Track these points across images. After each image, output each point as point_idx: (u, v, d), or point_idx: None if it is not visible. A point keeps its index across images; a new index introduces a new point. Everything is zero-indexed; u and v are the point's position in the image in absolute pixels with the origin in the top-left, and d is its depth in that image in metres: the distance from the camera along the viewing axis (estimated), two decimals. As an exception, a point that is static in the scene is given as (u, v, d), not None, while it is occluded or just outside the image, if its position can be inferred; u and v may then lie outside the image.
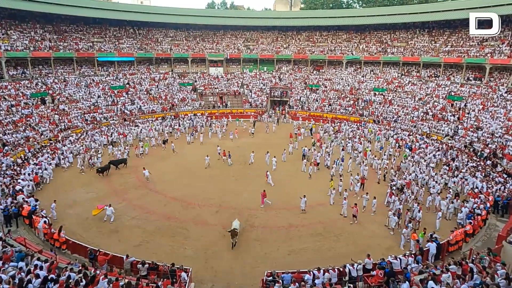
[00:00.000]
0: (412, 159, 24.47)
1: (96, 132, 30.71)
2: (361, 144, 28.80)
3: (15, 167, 21.19)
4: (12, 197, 16.75)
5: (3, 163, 21.26)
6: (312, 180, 22.26)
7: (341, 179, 20.60)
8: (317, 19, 52.33)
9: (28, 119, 29.07)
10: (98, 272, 10.87)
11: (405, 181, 20.18)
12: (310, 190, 20.54)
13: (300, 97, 44.37)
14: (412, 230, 14.78)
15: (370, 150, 26.84)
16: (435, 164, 23.99)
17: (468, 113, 31.11)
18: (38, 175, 20.51)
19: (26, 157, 23.39)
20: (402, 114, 35.63)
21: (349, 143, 29.08)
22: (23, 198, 16.75)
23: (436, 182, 20.08)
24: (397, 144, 28.78)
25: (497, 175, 20.59)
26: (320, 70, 49.45)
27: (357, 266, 11.77)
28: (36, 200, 16.79)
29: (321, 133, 32.95)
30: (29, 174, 20.09)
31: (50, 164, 22.74)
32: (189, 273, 11.71)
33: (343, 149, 27.08)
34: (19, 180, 18.86)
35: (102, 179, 21.98)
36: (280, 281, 10.85)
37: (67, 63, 40.11)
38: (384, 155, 26.25)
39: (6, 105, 29.30)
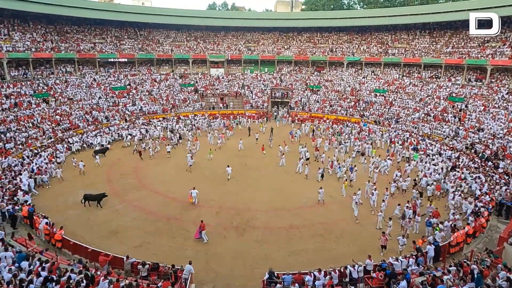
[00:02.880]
0: (425, 161, 24.41)
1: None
2: (362, 145, 28.81)
3: (17, 167, 21.25)
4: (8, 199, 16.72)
5: (3, 162, 21.30)
6: (313, 182, 22.20)
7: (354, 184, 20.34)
8: (318, 20, 52.34)
9: (30, 119, 29.11)
10: (99, 272, 10.88)
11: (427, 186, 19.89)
12: (311, 192, 20.56)
13: (301, 98, 44.37)
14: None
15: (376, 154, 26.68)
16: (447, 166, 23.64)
17: (469, 115, 31.07)
18: (40, 170, 21.06)
19: (27, 156, 23.44)
20: (403, 115, 35.60)
21: (357, 144, 28.94)
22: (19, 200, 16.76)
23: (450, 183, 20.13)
24: (393, 146, 28.88)
25: (499, 176, 20.55)
26: (321, 71, 49.45)
27: (358, 267, 11.74)
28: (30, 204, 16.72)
29: (329, 136, 32.45)
30: (30, 172, 20.33)
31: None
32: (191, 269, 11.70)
33: (362, 153, 26.85)
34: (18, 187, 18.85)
35: (102, 180, 21.98)
36: (282, 282, 10.84)
37: (69, 63, 40.22)
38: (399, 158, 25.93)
39: (7, 105, 29.38)
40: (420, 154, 26.17)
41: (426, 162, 24.16)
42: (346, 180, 21.19)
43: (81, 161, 23.51)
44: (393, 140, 30.71)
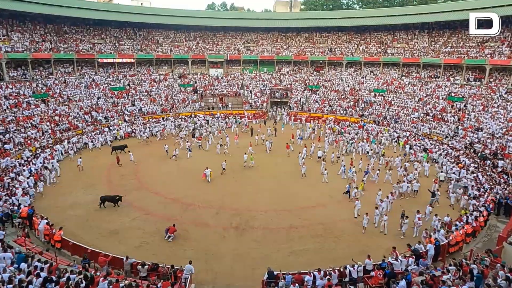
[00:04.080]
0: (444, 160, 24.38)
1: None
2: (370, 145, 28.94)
3: (15, 168, 21.20)
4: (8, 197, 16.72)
5: (2, 163, 21.26)
6: (313, 181, 22.23)
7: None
8: (317, 20, 52.40)
9: (29, 120, 29.07)
10: (98, 273, 10.86)
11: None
12: (311, 191, 20.62)
13: (300, 98, 44.40)
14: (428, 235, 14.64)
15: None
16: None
17: (468, 114, 31.13)
18: (38, 174, 20.83)
19: (27, 157, 23.39)
20: (403, 115, 35.65)
21: (367, 146, 28.83)
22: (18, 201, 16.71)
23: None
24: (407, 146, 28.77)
25: (497, 175, 20.59)
26: (320, 71, 49.48)
27: (358, 267, 11.75)
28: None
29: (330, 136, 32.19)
30: (29, 172, 20.42)
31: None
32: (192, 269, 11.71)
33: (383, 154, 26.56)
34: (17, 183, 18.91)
35: (102, 180, 21.97)
36: (283, 279, 10.88)
37: (68, 64, 40.16)
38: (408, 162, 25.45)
39: (7, 105, 29.34)
40: (431, 154, 26.17)
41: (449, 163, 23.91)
42: (362, 181, 20.80)
43: (80, 157, 24.37)
44: (406, 139, 30.54)
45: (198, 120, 37.89)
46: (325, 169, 22.57)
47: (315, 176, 22.79)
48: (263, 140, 30.09)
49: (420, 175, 22.75)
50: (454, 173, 22.10)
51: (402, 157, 25.95)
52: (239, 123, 38.03)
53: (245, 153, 24.97)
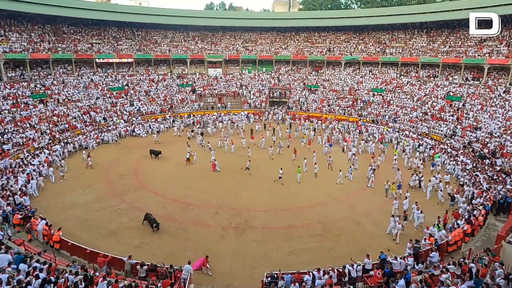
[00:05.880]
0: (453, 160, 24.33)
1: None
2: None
3: (15, 168, 21.14)
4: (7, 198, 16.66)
5: (1, 164, 21.18)
6: (313, 181, 22.24)
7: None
8: (315, 20, 52.44)
9: (27, 121, 28.98)
10: (97, 274, 10.85)
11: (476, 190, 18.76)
12: (310, 191, 20.64)
13: (299, 97, 44.43)
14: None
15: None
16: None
17: (467, 113, 31.20)
18: (29, 174, 20.51)
19: (25, 157, 23.32)
20: (401, 114, 35.71)
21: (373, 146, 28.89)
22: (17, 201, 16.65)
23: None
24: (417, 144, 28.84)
25: (496, 175, 20.65)
26: (319, 71, 49.51)
27: (357, 266, 11.78)
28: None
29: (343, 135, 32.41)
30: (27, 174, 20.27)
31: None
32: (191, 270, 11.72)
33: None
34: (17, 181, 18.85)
35: (101, 181, 21.92)
36: (283, 279, 10.88)
37: (66, 64, 40.06)
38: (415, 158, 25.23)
39: (5, 106, 29.24)
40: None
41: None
42: (393, 183, 20.07)
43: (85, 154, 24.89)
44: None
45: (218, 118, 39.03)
46: (340, 170, 22.13)
47: (315, 175, 22.82)
48: (274, 141, 30.21)
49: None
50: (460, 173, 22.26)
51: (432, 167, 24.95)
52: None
53: (271, 147, 27.48)
